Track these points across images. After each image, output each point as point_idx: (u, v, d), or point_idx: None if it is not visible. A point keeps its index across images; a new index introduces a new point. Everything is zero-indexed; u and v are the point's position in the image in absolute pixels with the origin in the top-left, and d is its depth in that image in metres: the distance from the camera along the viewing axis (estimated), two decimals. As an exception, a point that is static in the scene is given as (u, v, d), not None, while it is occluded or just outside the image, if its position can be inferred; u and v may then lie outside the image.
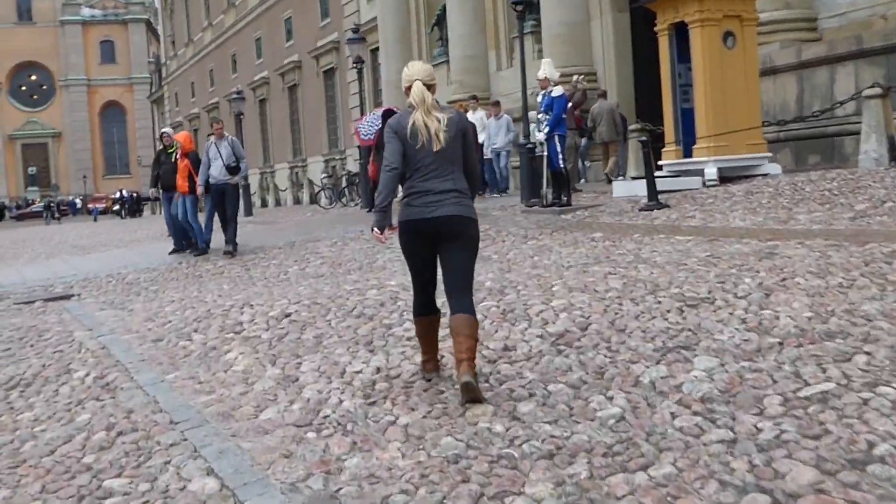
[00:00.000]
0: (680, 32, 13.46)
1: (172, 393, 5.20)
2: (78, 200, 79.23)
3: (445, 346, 5.46)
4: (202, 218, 13.88)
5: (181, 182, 13.55)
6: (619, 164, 17.45)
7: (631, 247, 8.87)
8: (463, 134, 4.63)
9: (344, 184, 28.98)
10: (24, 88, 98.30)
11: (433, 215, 4.51)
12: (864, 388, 3.89)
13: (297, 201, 37.86)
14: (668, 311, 5.61)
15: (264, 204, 42.06)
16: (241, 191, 20.31)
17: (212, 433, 4.35)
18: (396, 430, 4.13)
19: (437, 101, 4.68)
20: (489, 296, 6.86)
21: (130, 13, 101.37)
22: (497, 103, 19.70)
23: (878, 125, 11.72)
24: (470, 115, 17.27)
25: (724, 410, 3.82)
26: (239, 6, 49.50)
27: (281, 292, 8.50)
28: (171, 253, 14.13)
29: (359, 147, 24.76)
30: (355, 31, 26.27)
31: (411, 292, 7.01)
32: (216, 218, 13.66)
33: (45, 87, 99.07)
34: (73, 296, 10.29)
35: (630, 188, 13.84)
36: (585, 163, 18.85)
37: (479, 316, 6.11)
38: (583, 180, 18.39)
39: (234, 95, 32.90)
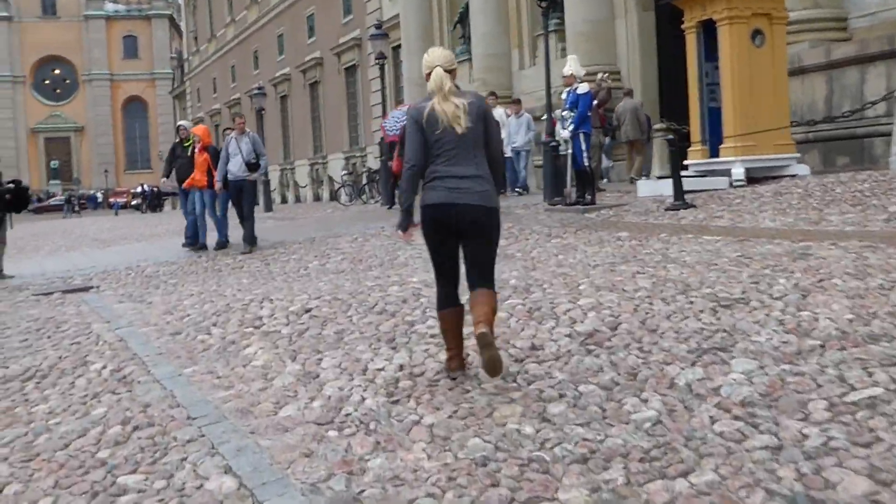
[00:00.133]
0: (707, 30, 13.25)
1: (190, 387, 5.07)
2: (99, 194, 79.56)
3: (470, 343, 5.31)
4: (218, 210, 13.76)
5: (200, 176, 13.42)
6: (636, 163, 17.27)
7: (658, 246, 8.68)
8: (484, 117, 4.58)
9: (364, 181, 28.87)
10: (47, 82, 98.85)
11: (458, 202, 4.47)
12: (913, 394, 3.70)
13: (317, 198, 37.80)
14: (702, 312, 5.43)
15: (284, 200, 42.03)
16: (259, 187, 20.24)
17: (230, 430, 4.21)
18: (421, 429, 3.98)
19: (458, 87, 4.64)
20: (514, 294, 6.70)
21: (154, 8, 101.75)
22: (518, 101, 19.48)
23: (910, 126, 11.48)
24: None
25: (766, 415, 3.64)
26: (262, 2, 49.51)
27: (301, 287, 8.37)
28: (183, 245, 14.06)
29: (379, 144, 24.68)
30: (378, 26, 26.15)
31: (434, 288, 6.94)
32: (230, 213, 13.55)
33: (68, 82, 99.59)
34: (91, 288, 10.21)
35: (655, 188, 13.63)
36: (609, 162, 18.63)
37: (504, 314, 6.03)
38: (605, 180, 18.17)
39: (256, 91, 32.87)
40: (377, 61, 25.41)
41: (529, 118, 18.70)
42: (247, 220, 13.12)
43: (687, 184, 12.11)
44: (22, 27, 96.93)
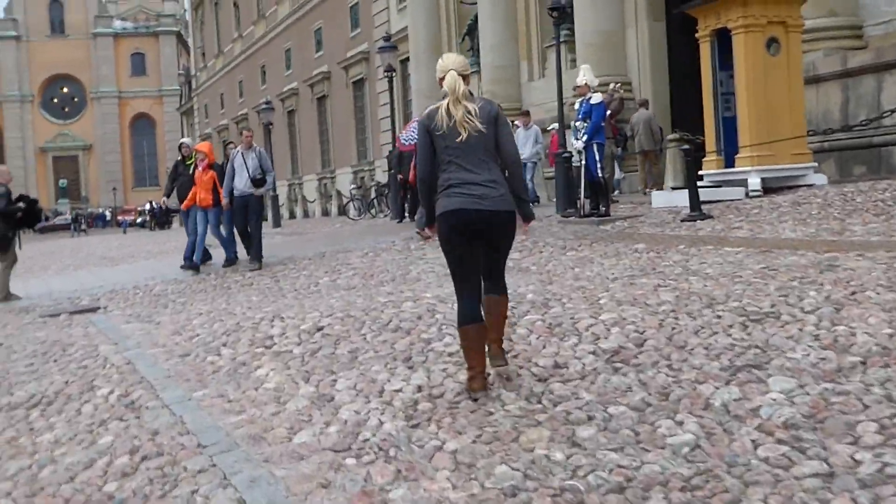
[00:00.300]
0: (722, 39, 13.06)
1: (200, 412, 4.87)
2: (107, 212, 79.56)
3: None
4: (223, 229, 13.47)
5: (205, 195, 12.96)
6: (653, 175, 17.08)
7: (678, 258, 8.46)
8: (495, 120, 4.53)
9: (373, 195, 28.71)
10: (55, 101, 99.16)
11: (477, 207, 4.44)
12: (967, 414, 3.49)
13: (326, 213, 37.65)
14: (731, 327, 5.22)
15: (292, 215, 41.90)
16: (267, 202, 19.94)
17: (242, 458, 4.01)
18: (444, 456, 3.77)
19: (470, 93, 4.60)
20: (533, 309, 6.49)
21: (161, 25, 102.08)
22: (527, 113, 19.30)
23: (931, 134, 11.26)
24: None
25: (812, 438, 3.42)
26: (269, 17, 49.52)
27: (312, 304, 8.18)
28: (181, 268, 13.33)
29: (387, 157, 24.52)
30: (387, 39, 26.04)
31: (449, 304, 6.75)
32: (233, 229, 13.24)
33: (76, 100, 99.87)
34: (99, 308, 10.03)
35: (669, 198, 13.42)
36: (621, 173, 18.43)
37: (524, 330, 5.85)
38: (617, 191, 17.96)
39: (264, 106, 32.76)
40: (386, 74, 25.27)
41: (538, 130, 18.52)
42: (253, 236, 12.88)
43: (702, 194, 11.90)
44: (30, 46, 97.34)
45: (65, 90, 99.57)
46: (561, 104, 15.80)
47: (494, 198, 4.46)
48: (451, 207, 4.47)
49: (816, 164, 13.11)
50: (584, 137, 12.34)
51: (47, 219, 72.59)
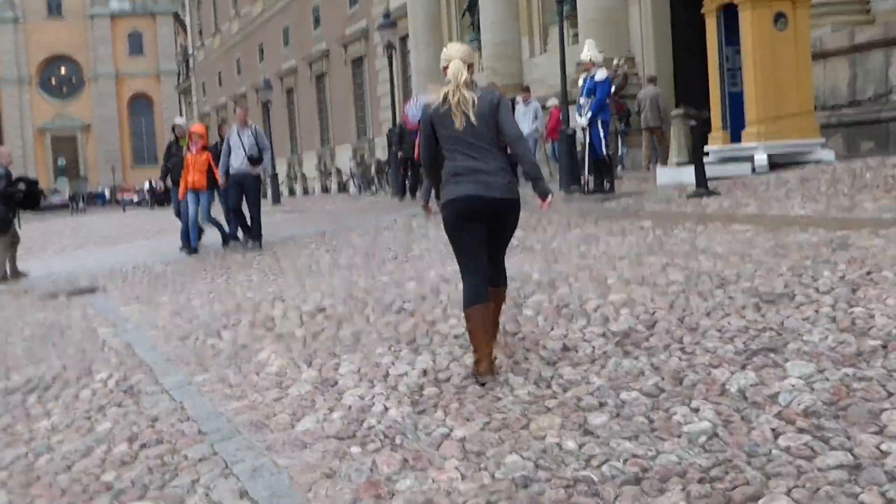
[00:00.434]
0: (727, 14, 12.85)
1: (201, 398, 4.74)
2: (107, 191, 79.24)
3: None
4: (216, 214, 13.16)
5: (199, 177, 12.50)
6: (658, 151, 16.91)
7: (685, 236, 8.33)
8: (497, 107, 4.52)
9: (373, 172, 28.52)
10: (53, 82, 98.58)
11: (485, 195, 4.46)
12: None
13: (325, 190, 37.43)
14: (744, 308, 5.08)
15: (292, 193, 41.64)
16: (266, 180, 19.54)
17: (244, 446, 3.89)
18: (452, 444, 3.65)
19: (474, 82, 4.59)
20: (539, 289, 6.37)
21: (158, 5, 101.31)
22: (527, 89, 19.08)
23: (940, 109, 11.09)
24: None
25: (835, 427, 3.28)
26: (266, -5, 49.16)
27: (313, 284, 8.06)
28: (180, 249, 13.11)
29: (388, 135, 24.33)
30: (386, 16, 25.77)
31: (453, 284, 6.61)
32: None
33: (74, 80, 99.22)
34: (98, 289, 9.90)
35: (675, 175, 13.25)
36: (624, 149, 18.26)
37: (530, 312, 5.73)
38: (620, 167, 17.80)
39: (262, 85, 32.48)
40: (386, 51, 25.03)
41: (537, 106, 18.30)
42: (252, 216, 12.60)
43: (708, 171, 11.73)
44: (28, 28, 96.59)
45: (62, 71, 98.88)
46: (564, 80, 15.59)
47: (502, 186, 4.49)
48: (461, 194, 4.46)
49: (824, 140, 12.95)
50: (589, 114, 12.16)
51: (45, 198, 71.88)
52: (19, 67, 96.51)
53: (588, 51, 12.24)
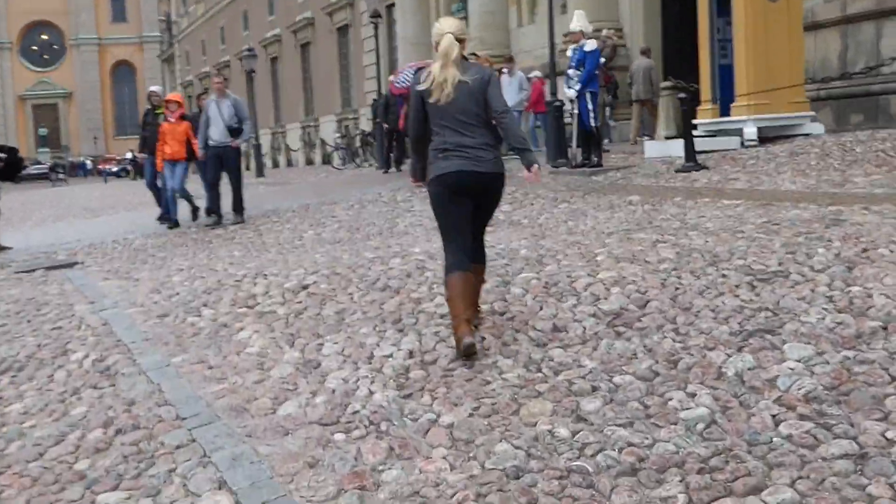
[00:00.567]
0: (718, -16, 12.66)
1: (179, 380, 4.59)
2: (89, 161, 78.42)
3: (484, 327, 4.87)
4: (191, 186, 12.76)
5: (178, 147, 12.09)
6: (646, 124, 16.74)
7: (674, 211, 8.20)
8: (487, 84, 4.53)
9: (358, 144, 28.24)
10: (34, 48, 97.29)
11: (474, 169, 4.50)
12: None
13: (310, 162, 37.17)
14: (738, 287, 4.96)
15: (276, 165, 41.36)
16: (249, 151, 19.02)
17: (224, 433, 3.75)
18: (439, 432, 3.51)
19: (465, 57, 4.63)
20: (527, 266, 6.23)
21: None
22: (511, 59, 18.76)
23: (932, 82, 10.96)
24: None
25: (837, 414, 3.17)
26: (250, -38, 48.45)
27: (296, 260, 7.89)
28: (161, 221, 12.77)
29: (372, 105, 24.05)
30: (371, -17, 25.40)
31: (438, 261, 6.45)
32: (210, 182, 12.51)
33: (55, 47, 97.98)
34: (76, 263, 9.69)
35: (663, 148, 13.10)
36: (611, 122, 18.07)
37: (518, 290, 5.58)
38: (606, 140, 17.62)
39: (246, 53, 32.01)
40: (372, 20, 24.68)
41: (523, 77, 17.99)
42: (234, 189, 12.21)
43: (696, 144, 11.59)
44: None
45: (44, 37, 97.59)
46: (553, 51, 15.38)
47: (489, 160, 4.53)
48: (449, 170, 4.49)
49: (814, 114, 12.82)
50: (578, 86, 11.96)
51: (25, 167, 70.56)
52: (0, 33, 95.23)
53: (578, 21, 12.02)
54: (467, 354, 4.31)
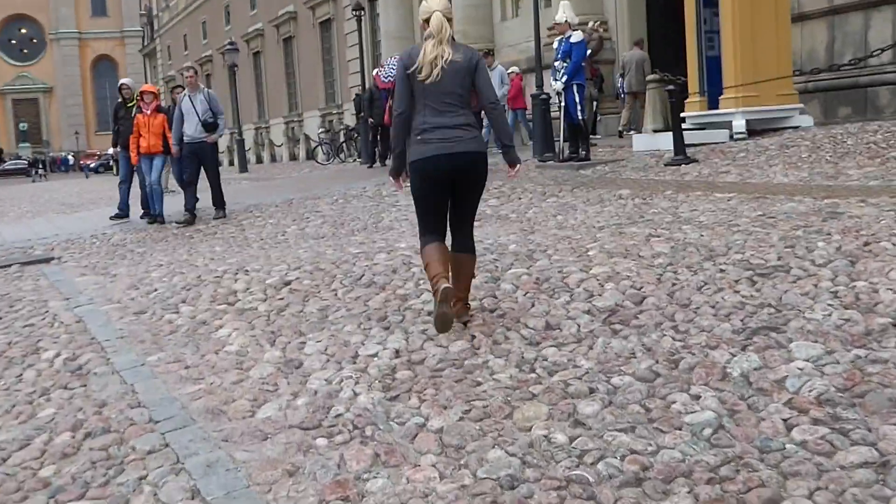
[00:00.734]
0: (706, -25, 12.49)
1: (154, 381, 4.36)
2: (70, 157, 77.67)
3: (475, 324, 4.66)
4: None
5: (155, 140, 11.83)
6: (633, 118, 16.58)
7: (666, 205, 8.01)
8: (475, 68, 4.52)
9: (342, 139, 27.96)
10: (13, 42, 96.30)
11: (451, 151, 4.44)
12: None
13: (294, 157, 36.79)
14: (737, 282, 4.77)
15: (259, 160, 40.93)
16: (232, 146, 18.68)
17: (199, 437, 3.52)
18: (428, 437, 3.30)
19: (454, 38, 4.60)
20: (517, 262, 6.03)
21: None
22: (490, 52, 18.53)
23: (922, 74, 10.82)
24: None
25: (853, 418, 2.97)
26: (232, -45, 48.01)
27: (279, 256, 7.66)
28: (141, 217, 12.43)
29: (354, 100, 23.79)
30: (355, -24, 25.13)
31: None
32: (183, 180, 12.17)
33: (35, 41, 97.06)
34: (53, 259, 9.42)
35: (651, 142, 12.94)
36: (597, 115, 17.89)
37: (509, 286, 5.38)
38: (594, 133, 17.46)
39: (228, 48, 31.66)
40: (354, 13, 24.40)
41: (503, 71, 17.76)
42: (213, 185, 11.93)
43: (685, 137, 11.42)
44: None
45: (23, 31, 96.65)
46: (538, 44, 15.17)
47: (467, 140, 4.48)
48: (426, 155, 4.46)
49: (802, 106, 12.67)
50: (564, 78, 11.76)
51: (3, 162, 69.78)
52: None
53: (563, 12, 11.81)
54: (445, 299, 4.31)
